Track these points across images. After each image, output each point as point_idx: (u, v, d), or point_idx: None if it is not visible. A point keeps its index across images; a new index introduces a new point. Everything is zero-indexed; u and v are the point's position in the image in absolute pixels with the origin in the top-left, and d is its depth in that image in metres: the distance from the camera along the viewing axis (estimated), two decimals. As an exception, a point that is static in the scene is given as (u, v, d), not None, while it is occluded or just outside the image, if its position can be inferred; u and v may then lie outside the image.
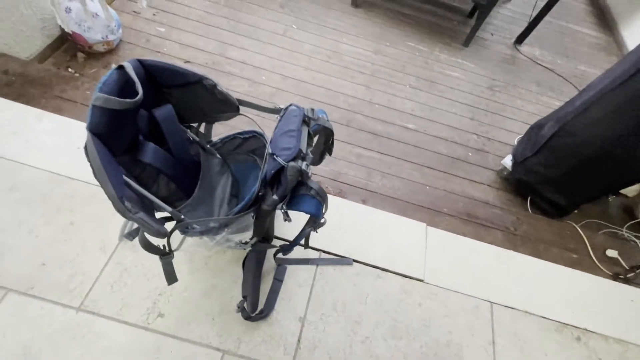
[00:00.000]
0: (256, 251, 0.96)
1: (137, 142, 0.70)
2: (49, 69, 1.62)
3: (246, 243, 0.90)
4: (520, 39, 2.70)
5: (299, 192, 0.67)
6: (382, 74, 2.23)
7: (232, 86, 1.94)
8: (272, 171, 0.65)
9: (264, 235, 0.88)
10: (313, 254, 1.14)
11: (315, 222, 0.71)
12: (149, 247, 0.66)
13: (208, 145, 0.90)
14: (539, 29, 2.64)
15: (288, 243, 0.93)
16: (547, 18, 2.53)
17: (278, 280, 1.05)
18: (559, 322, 1.15)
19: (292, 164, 0.63)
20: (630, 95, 1.20)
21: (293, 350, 0.96)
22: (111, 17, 1.55)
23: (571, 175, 1.50)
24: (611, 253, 1.53)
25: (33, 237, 0.99)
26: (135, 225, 0.78)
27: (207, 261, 1.03)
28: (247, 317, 0.93)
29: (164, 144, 0.77)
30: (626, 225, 1.73)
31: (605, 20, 3.24)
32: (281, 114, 0.75)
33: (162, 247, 0.70)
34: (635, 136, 1.24)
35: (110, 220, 1.06)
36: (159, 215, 0.75)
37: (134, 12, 2.08)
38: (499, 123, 2.19)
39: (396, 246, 1.21)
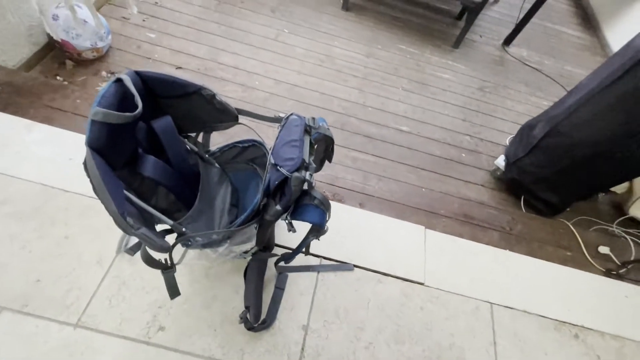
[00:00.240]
0: (257, 260, 0.95)
1: (136, 155, 0.68)
2: (37, 78, 1.58)
3: (247, 252, 0.89)
4: (508, 40, 2.75)
5: (303, 202, 0.67)
6: (374, 77, 2.24)
7: (225, 92, 1.92)
8: (276, 182, 0.64)
9: (265, 244, 0.88)
10: (314, 261, 1.13)
11: (319, 231, 0.71)
12: (151, 262, 0.65)
13: (207, 155, 0.89)
14: (526, 30, 2.70)
15: (290, 251, 0.93)
16: (533, 19, 2.58)
17: (279, 289, 1.04)
18: (557, 320, 1.17)
19: (296, 174, 0.63)
20: (618, 97, 1.23)
21: (297, 359, 0.96)
22: (101, 24, 1.52)
23: (563, 175, 1.53)
24: (603, 250, 1.57)
25: (26, 253, 0.96)
26: (135, 239, 0.76)
27: (207, 272, 1.02)
28: (250, 328, 0.92)
29: (163, 155, 0.76)
30: (616, 222, 1.77)
31: (588, 21, 3.33)
32: (282, 124, 0.74)
33: (164, 261, 0.69)
34: (624, 136, 1.27)
35: (106, 232, 1.04)
36: (159, 227, 0.74)
37: (123, 17, 2.05)
38: (490, 123, 2.23)
39: (396, 250, 1.21)
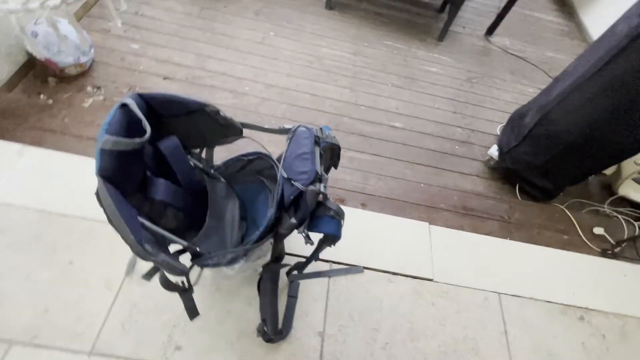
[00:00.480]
0: (270, 272, 0.94)
1: (145, 178, 0.67)
2: (20, 99, 1.53)
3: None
4: (490, 30, 2.79)
5: (318, 213, 0.67)
6: (364, 75, 2.24)
7: (215, 99, 1.89)
8: (292, 197, 0.64)
9: (277, 255, 0.87)
10: (323, 266, 1.14)
11: (334, 240, 0.71)
12: (169, 286, 0.64)
13: (212, 170, 0.88)
14: (507, 19, 2.74)
15: (302, 260, 0.93)
16: (513, 8, 2.62)
17: (293, 297, 1.04)
18: (562, 304, 1.20)
19: (311, 188, 0.62)
20: (605, 83, 1.27)
21: (316, 366, 0.96)
22: (85, 39, 1.48)
23: (556, 161, 1.57)
24: (598, 230, 1.62)
25: (31, 283, 0.94)
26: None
27: (219, 287, 1.01)
28: (269, 340, 0.91)
29: (170, 174, 0.75)
30: (607, 202, 1.83)
31: (565, 6, 3.40)
32: (290, 136, 0.74)
33: (181, 284, 0.68)
34: (613, 121, 1.31)
35: (111, 255, 1.01)
36: (171, 248, 0.73)
37: (104, 29, 1.99)
38: (480, 114, 2.26)
39: (402, 248, 1.22)
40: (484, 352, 1.06)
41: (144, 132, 0.61)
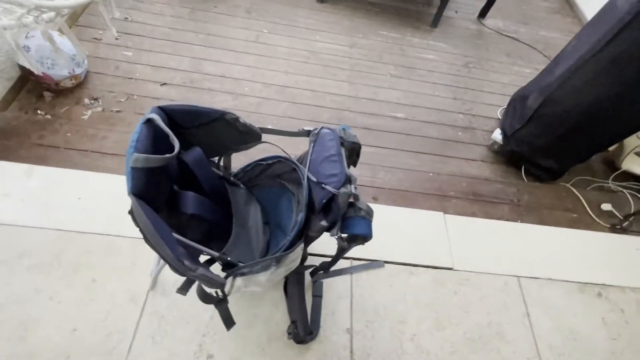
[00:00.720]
0: (295, 274, 0.95)
1: (173, 192, 0.66)
2: (18, 116, 1.50)
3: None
4: (483, 13, 2.78)
5: (349, 214, 0.67)
6: (361, 67, 2.23)
7: (215, 102, 1.87)
8: (324, 200, 0.64)
9: (303, 257, 0.87)
10: (344, 263, 1.14)
11: (365, 240, 0.71)
12: (206, 298, 0.64)
13: (231, 177, 0.87)
14: (499, 1, 2.73)
15: (326, 260, 0.93)
16: (504, -11, 2.62)
17: (318, 297, 1.05)
18: (579, 282, 1.23)
19: (343, 190, 0.62)
20: (609, 61, 1.27)
21: (347, 363, 0.97)
22: (83, 52, 1.44)
23: (561, 141, 1.58)
24: (606, 207, 1.64)
25: (56, 304, 0.93)
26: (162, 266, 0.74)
27: (240, 288, 1.01)
28: (300, 341, 0.92)
29: (193, 185, 0.74)
30: (611, 177, 1.86)
31: (554, -17, 3.39)
32: (313, 139, 0.73)
33: (215, 295, 0.68)
34: (618, 97, 1.32)
35: (133, 269, 1.01)
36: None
37: (95, 39, 1.95)
38: (480, 98, 2.26)
39: (420, 240, 1.23)
40: (508, 336, 1.08)
41: (170, 145, 0.60)
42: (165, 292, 0.99)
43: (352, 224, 0.66)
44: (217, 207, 0.74)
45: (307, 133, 0.77)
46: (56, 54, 1.28)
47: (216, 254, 0.68)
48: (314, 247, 1.12)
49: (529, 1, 3.14)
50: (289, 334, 0.91)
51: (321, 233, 0.71)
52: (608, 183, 1.84)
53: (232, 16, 2.28)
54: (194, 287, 0.65)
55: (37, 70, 1.31)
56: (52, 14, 1.09)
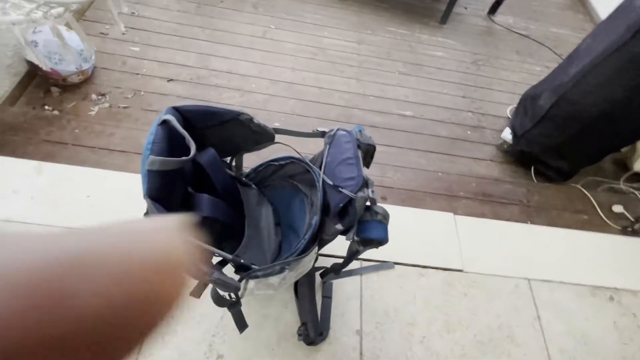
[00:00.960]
0: (306, 275, 0.94)
1: (187, 194, 0.65)
2: (27, 112, 1.49)
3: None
4: (493, 9, 2.74)
5: (365, 218, 0.66)
6: (369, 64, 2.20)
7: (222, 99, 1.86)
8: (340, 204, 0.63)
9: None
10: (354, 264, 1.13)
11: (380, 244, 0.70)
12: (220, 301, 0.64)
13: (243, 178, 0.86)
14: (508, -4, 2.69)
15: (337, 261, 0.92)
16: (515, -15, 2.57)
17: (327, 298, 1.04)
18: (591, 285, 1.21)
19: (360, 194, 0.61)
20: (627, 60, 1.25)
21: (357, 364, 0.97)
22: (91, 47, 1.43)
23: (574, 142, 1.56)
24: (617, 208, 1.62)
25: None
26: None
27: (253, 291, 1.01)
28: (310, 343, 0.92)
29: (206, 186, 0.73)
30: (623, 178, 1.83)
31: (565, -21, 3.33)
32: (329, 141, 0.72)
33: (229, 298, 0.67)
34: (635, 98, 1.30)
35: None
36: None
37: (102, 33, 1.93)
38: (489, 97, 2.23)
39: (430, 241, 1.22)
40: (519, 339, 1.07)
41: (185, 147, 0.59)
42: (175, 291, 0.99)
43: (368, 227, 0.65)
44: (230, 209, 0.73)
45: (322, 134, 0.75)
46: (64, 49, 1.27)
47: (230, 256, 0.67)
48: (324, 248, 1.12)
49: (539, -3, 3.08)
50: (299, 335, 0.91)
51: (335, 236, 0.70)
52: (619, 184, 1.82)
53: (239, 11, 2.26)
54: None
55: (45, 65, 1.31)
56: (60, 9, 1.08)
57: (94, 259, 0.09)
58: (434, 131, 1.97)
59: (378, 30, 2.42)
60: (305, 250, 0.67)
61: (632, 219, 1.60)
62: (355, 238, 0.64)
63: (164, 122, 0.57)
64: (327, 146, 0.71)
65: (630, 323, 1.15)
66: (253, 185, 0.88)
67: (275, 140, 0.79)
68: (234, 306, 0.68)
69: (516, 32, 2.67)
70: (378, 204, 0.66)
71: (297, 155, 0.82)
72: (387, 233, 0.67)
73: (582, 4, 3.09)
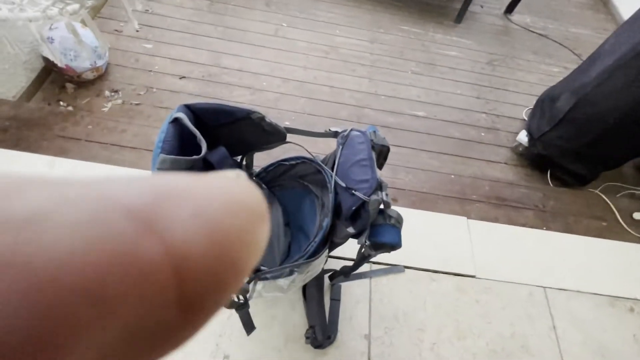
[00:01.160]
0: (315, 277, 0.93)
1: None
2: (42, 107, 1.51)
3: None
4: (510, 8, 2.67)
5: (378, 222, 0.64)
6: (382, 63, 2.17)
7: (233, 97, 1.86)
8: (353, 207, 0.61)
9: (324, 261, 0.85)
10: (364, 267, 1.11)
11: (393, 249, 0.68)
12: (229, 304, 0.62)
13: (253, 177, 0.85)
14: (526, -5, 2.62)
15: (346, 264, 0.90)
16: (534, -17, 2.50)
17: (336, 300, 1.02)
18: (610, 296, 1.17)
19: (374, 197, 0.59)
20: (653, 61, 1.20)
21: (365, 369, 0.95)
22: (105, 44, 1.44)
23: (594, 146, 1.50)
24: (638, 216, 1.56)
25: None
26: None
27: (261, 293, 1.00)
28: (318, 346, 0.90)
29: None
30: (643, 185, 1.77)
31: (586, -23, 3.23)
32: (342, 141, 0.70)
33: (236, 299, 0.66)
34: (660, 101, 1.24)
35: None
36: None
37: (116, 30, 1.95)
38: (504, 98, 2.18)
39: (442, 245, 1.19)
40: (533, 349, 1.04)
41: (196, 145, 0.58)
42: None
43: (381, 231, 0.63)
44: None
45: (334, 134, 0.74)
46: (79, 46, 1.28)
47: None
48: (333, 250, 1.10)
49: (558, -4, 3.00)
50: (307, 338, 0.89)
51: (346, 240, 0.68)
52: (639, 190, 1.75)
53: (251, 9, 2.25)
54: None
55: (60, 62, 1.32)
56: (76, 5, 1.09)
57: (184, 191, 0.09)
58: (447, 132, 1.93)
59: (391, 29, 2.39)
60: (315, 253, 0.65)
61: (653, 227, 1.54)
62: (367, 242, 0.62)
63: (175, 120, 0.56)
64: (340, 147, 0.70)
65: (651, 336, 1.11)
66: (263, 185, 0.87)
67: (287, 140, 0.78)
68: (242, 308, 0.67)
69: (534, 32, 2.61)
70: (392, 207, 0.64)
71: (308, 155, 0.80)
72: (401, 238, 0.65)
73: (604, 3, 3.00)
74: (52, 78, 1.68)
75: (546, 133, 1.63)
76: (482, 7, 2.70)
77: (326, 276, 1.02)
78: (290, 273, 0.67)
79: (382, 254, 0.75)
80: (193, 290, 0.08)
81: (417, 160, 1.75)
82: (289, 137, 0.78)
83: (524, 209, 1.55)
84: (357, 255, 0.74)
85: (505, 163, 1.87)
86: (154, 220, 0.08)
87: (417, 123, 1.94)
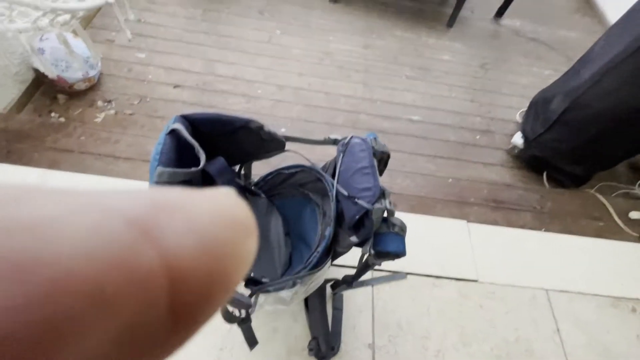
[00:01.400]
0: (317, 287, 0.91)
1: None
2: (32, 120, 1.48)
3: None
4: (500, 13, 2.71)
5: (381, 230, 0.63)
6: (376, 69, 2.18)
7: (229, 104, 1.84)
8: (357, 216, 0.60)
9: (326, 270, 0.83)
10: (365, 274, 1.10)
11: (397, 257, 0.67)
12: (230, 318, 0.61)
13: (252, 187, 0.83)
14: (515, 0, 2.66)
15: (349, 273, 0.89)
16: (522, -12, 2.55)
17: (338, 310, 1.01)
18: (612, 296, 1.17)
19: (377, 206, 0.58)
20: (644, 63, 1.21)
21: (370, 380, 0.93)
22: (97, 54, 1.42)
23: (588, 147, 1.52)
24: (634, 215, 1.58)
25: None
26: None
27: (263, 305, 0.98)
28: (322, 358, 0.88)
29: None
30: (638, 183, 1.78)
31: (572, -18, 3.30)
32: (342, 149, 0.69)
33: (239, 314, 0.65)
34: (653, 101, 1.26)
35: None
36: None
37: (108, 40, 1.93)
38: (498, 100, 2.20)
39: (443, 250, 1.19)
40: (538, 353, 1.03)
41: (194, 156, 0.56)
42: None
43: (384, 240, 0.62)
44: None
45: (334, 141, 0.73)
46: (70, 57, 1.26)
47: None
48: (333, 258, 1.09)
49: (547, 0, 3.06)
50: (310, 350, 0.87)
51: (350, 249, 0.67)
52: (634, 189, 1.77)
53: (245, 17, 2.26)
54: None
55: (51, 73, 1.30)
56: (67, 16, 1.07)
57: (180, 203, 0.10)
58: (443, 136, 1.93)
59: (385, 34, 2.40)
60: (319, 264, 0.64)
61: (649, 226, 1.55)
62: (372, 251, 0.61)
63: (172, 132, 0.55)
64: (341, 154, 0.69)
65: (654, 336, 1.10)
66: (262, 195, 0.85)
67: (286, 148, 0.77)
68: (244, 322, 0.65)
69: (524, 36, 2.64)
70: (395, 215, 0.63)
71: (307, 163, 0.79)
72: (405, 246, 0.64)
73: (590, 7, 3.06)
74: (43, 89, 1.66)
75: (541, 135, 1.64)
76: (472, 12, 2.74)
77: (328, 285, 1.01)
78: (294, 285, 0.65)
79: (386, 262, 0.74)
80: (184, 297, 0.09)
81: (414, 164, 1.74)
82: (288, 144, 0.77)
83: (522, 210, 1.55)
84: (359, 263, 0.72)
85: (502, 165, 1.87)
86: (151, 229, 0.09)
87: (412, 127, 1.94)
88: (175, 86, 1.84)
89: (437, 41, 2.46)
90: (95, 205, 0.08)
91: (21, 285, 0.07)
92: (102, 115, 1.65)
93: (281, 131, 0.74)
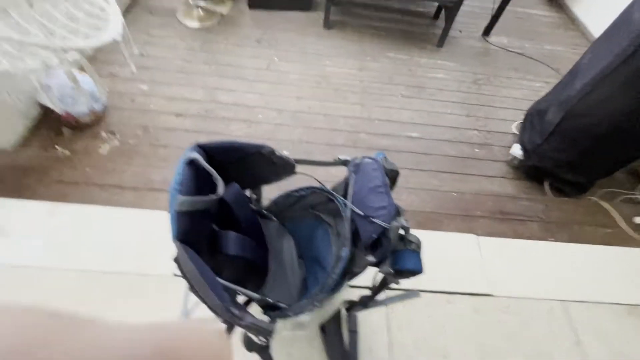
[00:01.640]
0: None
1: (212, 232, 0.63)
2: (38, 154, 1.50)
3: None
4: (487, 31, 2.82)
5: (397, 248, 0.63)
6: (372, 90, 2.24)
7: (230, 131, 1.87)
8: (374, 235, 0.60)
9: (341, 291, 0.83)
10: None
11: (414, 274, 0.66)
12: (252, 346, 0.60)
13: (264, 210, 0.84)
14: (500, 19, 2.78)
15: (364, 293, 0.88)
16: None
17: (353, 332, 0.98)
18: (628, 304, 1.15)
19: (394, 224, 0.59)
20: (633, 73, 1.26)
21: (391, 405, 0.90)
22: (104, 88, 1.46)
23: (586, 155, 1.54)
24: (639, 220, 1.58)
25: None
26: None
27: (280, 331, 0.96)
28: (341, 384, 0.86)
29: (230, 221, 0.71)
30: (639, 188, 1.80)
31: (554, 0, 3.47)
32: (354, 169, 0.70)
33: (259, 341, 0.63)
34: (645, 109, 1.30)
35: (163, 307, 0.96)
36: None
37: (111, 74, 1.99)
38: (493, 114, 2.25)
39: (455, 265, 1.18)
40: (561, 367, 1.00)
41: (211, 184, 0.57)
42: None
43: (402, 258, 0.62)
44: (255, 245, 0.71)
45: (344, 162, 0.74)
46: (77, 92, 1.29)
47: (258, 296, 0.64)
48: (345, 278, 1.07)
49: (530, 18, 3.19)
50: (329, 376, 0.85)
51: (366, 268, 0.67)
52: (635, 194, 1.78)
53: (243, 46, 2.33)
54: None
55: (59, 109, 1.33)
56: (76, 55, 1.11)
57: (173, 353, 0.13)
58: (443, 151, 1.96)
59: (378, 56, 2.48)
60: (337, 286, 0.64)
61: (656, 231, 1.55)
62: (391, 270, 0.61)
63: (191, 162, 0.56)
64: (353, 175, 0.70)
65: (675, 343, 1.08)
66: (274, 218, 0.86)
67: (296, 171, 0.78)
68: (265, 350, 0.63)
69: (512, 51, 2.74)
70: (410, 232, 0.64)
71: (318, 185, 0.80)
72: (422, 262, 0.64)
73: (572, 21, 3.19)
74: (49, 124, 1.68)
75: (539, 146, 1.67)
76: (460, 31, 2.85)
77: (346, 309, 0.99)
78: (312, 308, 0.65)
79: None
80: None
81: (417, 180, 1.76)
82: (298, 167, 0.78)
83: (528, 221, 1.56)
84: (373, 282, 0.72)
85: (503, 177, 1.89)
86: None
87: (412, 144, 1.97)
88: (178, 115, 1.88)
89: (429, 60, 2.54)
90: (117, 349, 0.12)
91: None
92: (107, 146, 1.67)
93: (284, 153, 0.76)
